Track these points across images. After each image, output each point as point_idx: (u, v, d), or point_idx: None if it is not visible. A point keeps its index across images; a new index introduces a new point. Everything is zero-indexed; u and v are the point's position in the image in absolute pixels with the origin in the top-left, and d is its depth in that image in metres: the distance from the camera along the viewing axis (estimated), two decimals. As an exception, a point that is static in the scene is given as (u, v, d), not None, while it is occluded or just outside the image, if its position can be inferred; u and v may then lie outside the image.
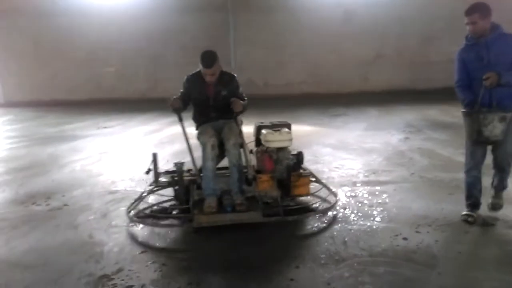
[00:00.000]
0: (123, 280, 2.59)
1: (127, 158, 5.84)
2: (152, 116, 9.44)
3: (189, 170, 3.72)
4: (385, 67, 11.93)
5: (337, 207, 3.58)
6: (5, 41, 12.24)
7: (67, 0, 11.71)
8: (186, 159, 3.69)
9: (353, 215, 3.49)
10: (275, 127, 3.70)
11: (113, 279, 2.60)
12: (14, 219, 3.70)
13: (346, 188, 4.17)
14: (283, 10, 11.55)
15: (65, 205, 3.92)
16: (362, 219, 3.40)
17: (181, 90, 3.75)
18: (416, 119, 7.92)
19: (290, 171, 3.50)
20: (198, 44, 11.77)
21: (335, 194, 3.72)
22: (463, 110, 3.20)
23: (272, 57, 11.78)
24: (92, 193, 4.27)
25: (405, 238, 3.00)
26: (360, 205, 3.71)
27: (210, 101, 3.68)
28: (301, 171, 3.69)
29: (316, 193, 3.79)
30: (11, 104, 12.01)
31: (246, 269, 2.73)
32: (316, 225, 3.33)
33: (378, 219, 3.39)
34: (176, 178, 3.55)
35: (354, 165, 5.02)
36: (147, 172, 3.61)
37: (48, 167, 5.48)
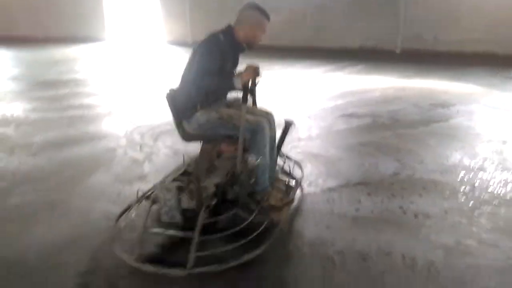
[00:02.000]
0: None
1: (291, 95, 6.68)
2: (312, 63, 10.01)
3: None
4: None
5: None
6: (194, -9, 14.22)
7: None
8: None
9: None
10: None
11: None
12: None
13: (487, 145, 4.18)
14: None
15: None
16: (501, 169, 3.52)
17: (212, 55, 2.47)
18: None
19: None
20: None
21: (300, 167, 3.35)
22: None
23: (445, 9, 10.82)
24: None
25: None
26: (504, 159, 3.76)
27: (235, 72, 2.71)
28: None
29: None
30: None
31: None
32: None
33: (517, 172, 3.45)
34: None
35: (509, 127, 4.82)
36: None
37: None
